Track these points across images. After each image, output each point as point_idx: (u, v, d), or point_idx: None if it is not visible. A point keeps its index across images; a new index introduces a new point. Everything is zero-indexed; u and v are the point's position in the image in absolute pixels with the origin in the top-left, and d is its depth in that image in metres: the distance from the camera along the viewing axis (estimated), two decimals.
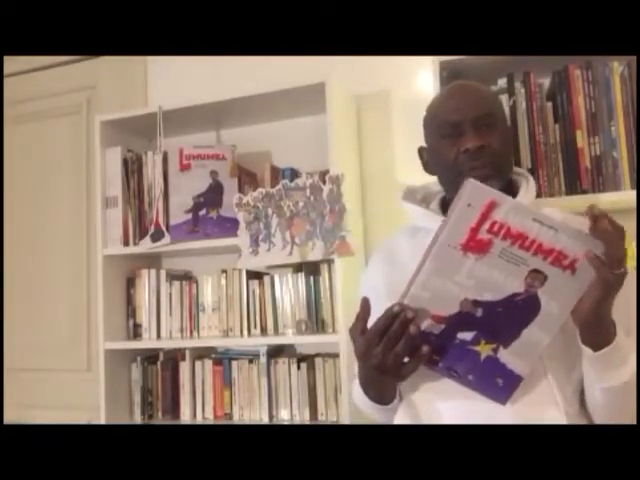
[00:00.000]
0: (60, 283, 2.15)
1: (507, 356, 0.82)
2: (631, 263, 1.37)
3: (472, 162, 0.93)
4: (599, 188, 1.35)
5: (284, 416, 1.67)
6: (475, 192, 0.76)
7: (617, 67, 1.35)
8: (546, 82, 1.45)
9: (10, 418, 1.88)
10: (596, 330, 0.82)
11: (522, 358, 0.82)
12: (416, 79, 1.75)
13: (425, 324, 0.82)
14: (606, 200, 1.35)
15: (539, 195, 1.39)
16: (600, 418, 0.91)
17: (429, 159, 1.05)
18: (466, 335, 0.82)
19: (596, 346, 0.82)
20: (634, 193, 1.30)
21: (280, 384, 1.68)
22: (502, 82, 1.43)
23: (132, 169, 1.81)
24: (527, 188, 0.99)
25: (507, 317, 0.80)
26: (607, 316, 0.81)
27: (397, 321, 0.79)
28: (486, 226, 0.76)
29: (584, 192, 1.36)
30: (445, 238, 0.78)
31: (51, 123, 2.22)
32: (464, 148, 0.93)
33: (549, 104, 1.41)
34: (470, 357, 0.83)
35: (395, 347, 0.80)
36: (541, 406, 0.88)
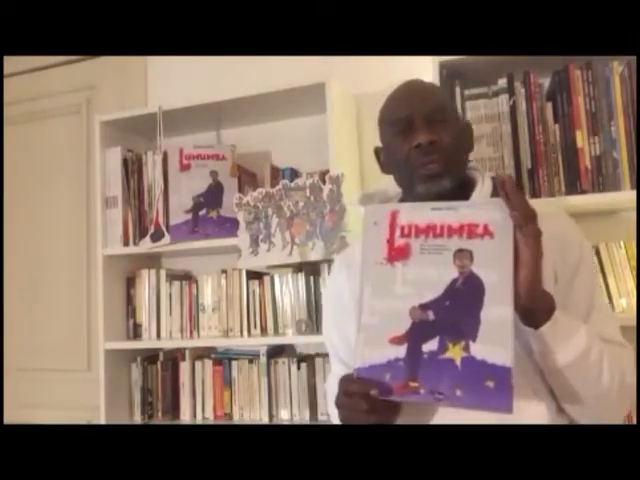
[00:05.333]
0: (60, 283, 2.15)
1: (481, 349, 0.76)
2: (631, 263, 1.38)
3: (424, 158, 0.91)
4: (599, 188, 1.35)
5: (284, 416, 1.67)
6: (374, 211, 0.86)
7: (617, 67, 1.36)
8: (546, 82, 1.45)
9: (10, 418, 1.89)
10: (536, 304, 0.79)
11: (496, 344, 0.75)
12: None
13: (387, 352, 0.80)
14: (606, 200, 1.35)
15: (539, 195, 1.39)
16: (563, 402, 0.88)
17: (384, 159, 1.04)
18: (431, 345, 0.79)
19: (537, 322, 0.80)
20: (634, 193, 1.30)
21: (280, 384, 1.68)
22: (502, 82, 1.43)
23: (132, 169, 1.81)
24: (482, 184, 0.96)
25: (458, 307, 0.78)
26: (541, 285, 0.79)
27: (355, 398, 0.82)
28: (397, 233, 0.82)
29: (584, 192, 1.36)
30: (369, 258, 0.83)
31: (51, 123, 2.22)
32: (416, 143, 0.91)
33: (549, 104, 1.41)
34: (447, 368, 0.77)
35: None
36: (521, 403, 0.83)
